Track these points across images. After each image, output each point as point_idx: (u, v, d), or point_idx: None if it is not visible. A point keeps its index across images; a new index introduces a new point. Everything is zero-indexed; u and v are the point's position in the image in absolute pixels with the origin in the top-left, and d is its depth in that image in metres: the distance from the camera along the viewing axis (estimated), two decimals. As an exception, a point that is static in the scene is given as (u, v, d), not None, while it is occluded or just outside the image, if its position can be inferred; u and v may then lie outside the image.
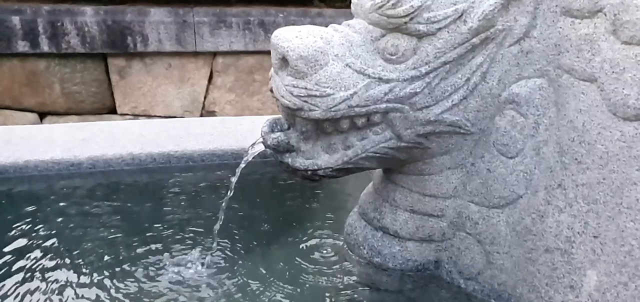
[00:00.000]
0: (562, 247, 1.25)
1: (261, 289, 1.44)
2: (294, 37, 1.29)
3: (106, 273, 1.49)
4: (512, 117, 1.31)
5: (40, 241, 1.65)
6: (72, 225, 1.76)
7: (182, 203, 1.95)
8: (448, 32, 1.25)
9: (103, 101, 4.07)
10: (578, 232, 1.22)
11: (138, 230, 1.73)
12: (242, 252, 1.62)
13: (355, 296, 1.45)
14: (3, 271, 1.50)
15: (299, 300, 1.41)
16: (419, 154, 1.38)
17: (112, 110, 4.10)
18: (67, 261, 1.55)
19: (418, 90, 1.28)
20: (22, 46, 3.74)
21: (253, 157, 1.51)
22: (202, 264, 1.54)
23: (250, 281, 1.47)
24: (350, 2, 1.39)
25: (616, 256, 1.18)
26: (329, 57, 1.28)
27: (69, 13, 3.82)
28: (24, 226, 1.73)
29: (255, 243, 1.67)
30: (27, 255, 1.57)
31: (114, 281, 1.46)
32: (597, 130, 1.18)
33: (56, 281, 1.45)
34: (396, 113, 1.30)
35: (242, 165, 1.51)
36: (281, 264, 1.56)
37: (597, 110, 1.17)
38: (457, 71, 1.28)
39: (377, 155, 1.36)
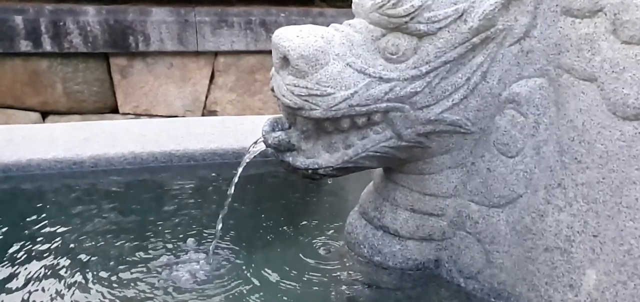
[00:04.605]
0: (561, 246, 1.25)
1: (262, 287, 1.45)
2: (294, 36, 1.29)
3: (108, 272, 1.50)
4: (512, 116, 1.31)
5: (43, 239, 1.65)
6: (74, 223, 1.76)
7: (184, 202, 1.95)
8: (448, 31, 1.25)
9: (105, 101, 4.08)
10: (577, 232, 1.23)
11: (140, 229, 1.74)
12: (243, 250, 1.62)
13: (355, 294, 1.45)
14: (6, 269, 1.50)
15: (298, 299, 1.42)
16: (419, 153, 1.38)
17: (114, 110, 4.11)
18: (70, 259, 1.55)
19: (418, 89, 1.28)
20: (24, 46, 3.76)
21: (254, 157, 1.51)
22: (204, 263, 1.55)
23: (251, 280, 1.48)
24: (351, 2, 1.39)
25: (615, 255, 1.18)
26: (329, 56, 1.28)
27: (71, 13, 3.84)
28: (26, 224, 1.74)
29: (256, 242, 1.67)
30: (30, 253, 1.58)
31: (116, 279, 1.47)
32: (596, 130, 1.18)
33: (58, 279, 1.46)
34: (397, 112, 1.31)
35: (243, 164, 1.52)
36: (282, 263, 1.56)
37: (597, 110, 1.18)
38: (458, 71, 1.29)
39: (378, 154, 1.37)
